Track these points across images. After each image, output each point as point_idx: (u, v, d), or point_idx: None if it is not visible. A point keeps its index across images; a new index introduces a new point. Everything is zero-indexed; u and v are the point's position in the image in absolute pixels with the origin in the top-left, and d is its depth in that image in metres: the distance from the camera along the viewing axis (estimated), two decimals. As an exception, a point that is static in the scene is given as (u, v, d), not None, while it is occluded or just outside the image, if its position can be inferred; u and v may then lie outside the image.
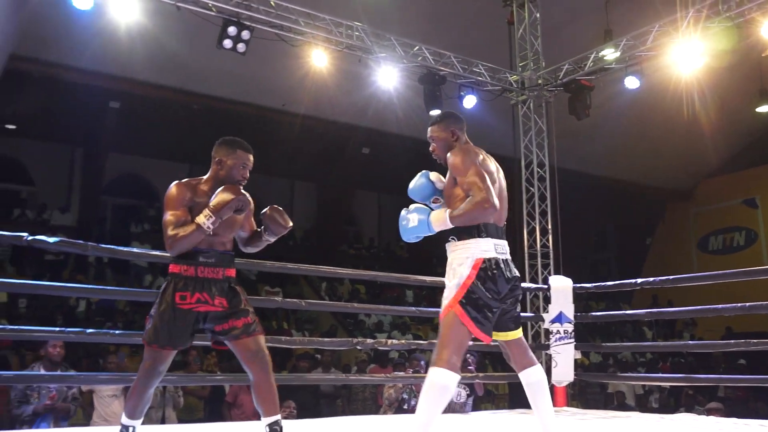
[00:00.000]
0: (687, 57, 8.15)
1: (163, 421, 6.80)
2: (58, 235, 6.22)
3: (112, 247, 5.07)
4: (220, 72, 11.84)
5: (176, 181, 3.21)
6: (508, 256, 3.03)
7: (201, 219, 2.98)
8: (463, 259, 2.94)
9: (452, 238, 2.99)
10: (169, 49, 10.59)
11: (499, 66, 9.36)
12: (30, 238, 4.35)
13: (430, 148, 3.33)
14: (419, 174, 3.26)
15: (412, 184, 3.30)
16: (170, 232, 3.00)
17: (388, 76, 8.66)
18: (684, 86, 11.81)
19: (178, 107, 13.31)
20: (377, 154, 15.68)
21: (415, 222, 3.05)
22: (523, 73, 9.37)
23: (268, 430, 3.12)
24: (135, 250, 6.27)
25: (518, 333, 3.13)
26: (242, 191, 3.16)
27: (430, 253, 14.83)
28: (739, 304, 5.63)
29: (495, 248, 2.95)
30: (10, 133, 14.12)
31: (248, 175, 3.39)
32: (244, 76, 11.95)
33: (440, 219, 2.95)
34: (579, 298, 6.50)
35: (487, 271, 2.90)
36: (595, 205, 17.97)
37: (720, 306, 5.85)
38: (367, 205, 18.94)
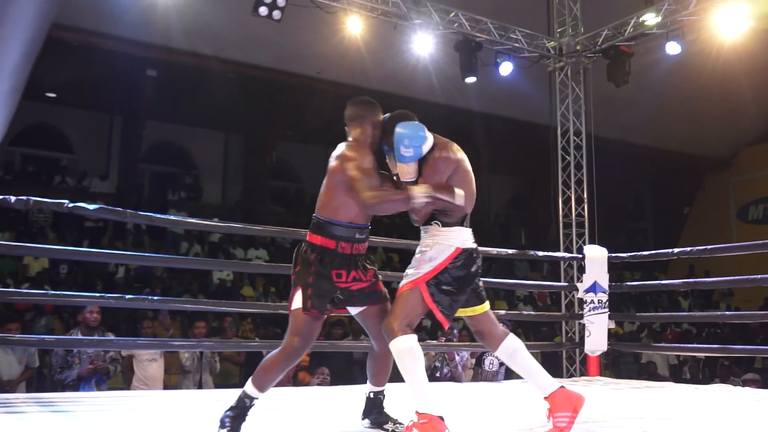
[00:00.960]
0: (731, 20, 7.94)
1: (200, 386, 6.95)
2: (97, 202, 6.36)
3: (150, 214, 5.16)
4: (255, 40, 11.85)
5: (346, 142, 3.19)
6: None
7: (418, 192, 2.96)
8: (443, 245, 3.01)
9: (436, 223, 3.06)
10: (205, 16, 10.61)
11: (536, 32, 9.21)
12: (71, 205, 4.44)
13: None
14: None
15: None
16: (371, 192, 2.98)
17: (424, 44, 8.58)
18: (726, 52, 11.52)
19: (214, 75, 13.36)
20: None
21: (410, 152, 3.12)
22: (561, 39, 9.21)
23: (372, 397, 3.26)
24: (172, 217, 6.36)
25: (484, 307, 3.15)
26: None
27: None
28: (779, 275, 5.54)
29: (471, 237, 3.09)
30: (51, 101, 14.35)
31: None
32: (279, 43, 11.93)
33: (420, 190, 2.98)
34: (614, 267, 6.46)
35: (462, 260, 3.00)
36: (632, 174, 17.72)
37: (759, 276, 5.75)
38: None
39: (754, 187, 18.92)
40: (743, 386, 7.21)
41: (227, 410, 2.99)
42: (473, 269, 3.04)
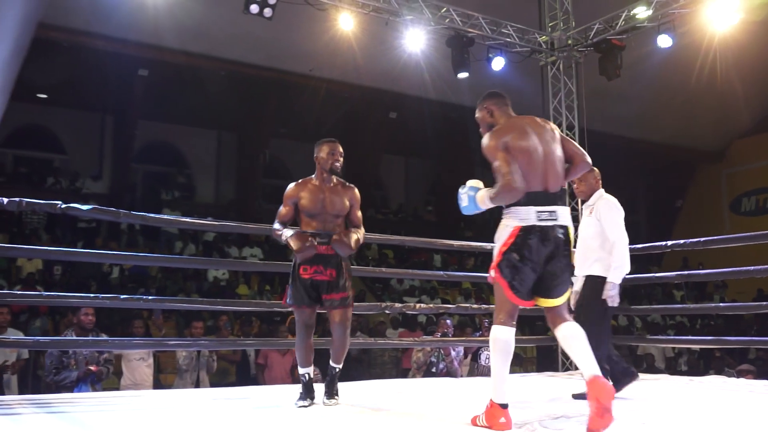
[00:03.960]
0: (721, 13, 7.96)
1: (197, 385, 6.95)
2: (90, 202, 6.34)
3: (144, 214, 5.14)
4: (246, 37, 11.83)
5: (293, 183, 4.01)
6: (557, 221, 3.11)
7: (284, 233, 3.84)
8: (504, 226, 3.14)
9: (503, 206, 3.18)
10: (195, 15, 10.59)
11: (528, 27, 9.21)
12: (64, 206, 4.43)
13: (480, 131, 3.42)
14: (463, 190, 3.31)
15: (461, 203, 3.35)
16: (275, 224, 3.93)
17: (416, 39, 8.58)
18: (717, 44, 11.56)
19: (205, 74, 13.35)
20: (404, 118, 15.61)
21: (465, 201, 3.25)
22: (553, 33, 9.22)
23: (335, 370, 3.98)
24: (166, 217, 6.35)
25: (558, 301, 3.17)
26: (312, 243, 3.77)
27: (458, 218, 14.80)
28: (772, 266, 5.56)
29: (537, 216, 3.07)
30: (42, 102, 14.30)
31: (340, 159, 4.06)
32: (270, 41, 11.92)
33: (482, 198, 3.17)
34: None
35: (524, 238, 3.05)
36: (625, 167, 17.74)
37: (752, 267, 5.78)
38: (395, 170, 18.93)
39: (746, 178, 19.00)
40: (738, 377, 7.25)
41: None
42: (543, 245, 3.06)
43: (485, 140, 3.20)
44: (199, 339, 7.04)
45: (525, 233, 3.05)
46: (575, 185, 4.58)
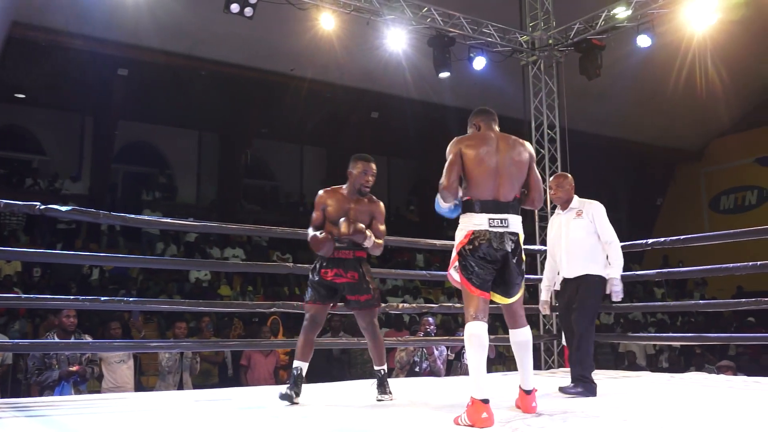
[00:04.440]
0: (700, 13, 8.03)
1: (180, 386, 6.91)
2: (69, 203, 6.27)
3: (124, 215, 5.10)
4: (227, 37, 11.78)
5: (321, 190, 4.28)
6: (508, 228, 3.38)
7: (315, 234, 4.07)
8: (459, 230, 3.44)
9: (461, 213, 3.48)
10: (176, 14, 10.52)
11: (509, 26, 9.24)
12: (42, 207, 4.39)
13: None
14: None
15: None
16: (309, 230, 4.15)
17: (397, 39, 8.58)
18: (696, 45, 11.67)
19: (185, 73, 13.26)
20: (386, 118, 15.61)
21: (436, 204, 3.56)
22: (534, 33, 9.25)
23: (380, 374, 4.16)
24: (147, 217, 6.30)
25: (511, 299, 3.50)
26: (327, 237, 4.02)
27: (440, 218, 14.79)
28: (750, 263, 5.62)
29: (489, 222, 3.35)
30: (20, 102, 14.14)
31: (371, 179, 4.25)
32: (251, 40, 11.87)
33: (439, 199, 3.48)
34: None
35: (475, 241, 3.33)
36: (605, 167, 17.87)
37: (731, 265, 5.84)
38: (377, 170, 18.91)
39: (724, 177, 19.21)
40: (718, 373, 7.31)
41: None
42: (494, 249, 3.32)
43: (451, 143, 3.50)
44: (181, 340, 7.00)
45: (477, 237, 3.33)
46: (552, 191, 4.79)
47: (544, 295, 4.93)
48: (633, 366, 9.91)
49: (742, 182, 18.87)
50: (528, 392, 3.48)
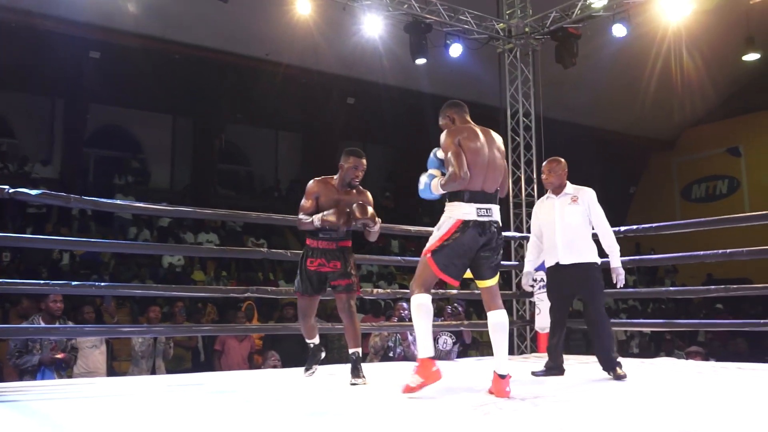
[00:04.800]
0: (675, 3, 8.10)
1: (153, 372, 6.87)
2: (40, 187, 6.15)
3: (96, 199, 5.04)
4: (202, 20, 11.64)
5: (313, 180, 4.42)
6: (492, 217, 3.63)
7: (314, 219, 4.23)
8: (447, 218, 3.62)
9: (447, 199, 3.68)
10: (149, -4, 10.37)
11: (485, 14, 9.25)
12: (12, 190, 4.31)
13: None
14: (424, 175, 3.82)
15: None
16: (299, 215, 4.33)
17: (374, 25, 8.55)
18: (671, 34, 11.75)
19: (159, 57, 13.07)
20: (362, 104, 15.55)
21: (422, 185, 3.74)
22: (510, 21, 9.27)
23: (353, 357, 4.25)
24: (119, 202, 6.23)
25: (491, 282, 3.71)
26: (346, 215, 4.19)
27: (415, 204, 14.85)
28: (720, 251, 5.71)
29: (477, 212, 3.57)
30: (-11, 84, 13.87)
31: (360, 174, 4.41)
32: (227, 24, 11.74)
33: (435, 185, 3.66)
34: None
35: (464, 230, 3.56)
36: (580, 155, 17.95)
37: (701, 253, 5.92)
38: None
39: (696, 167, 19.45)
40: (687, 359, 7.43)
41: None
42: (479, 235, 3.57)
43: (443, 136, 3.66)
44: (154, 326, 6.95)
45: (465, 226, 3.55)
46: (544, 176, 4.79)
47: (525, 282, 4.95)
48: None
49: (714, 172, 19.12)
50: (502, 377, 3.52)
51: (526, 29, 9.18)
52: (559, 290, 4.63)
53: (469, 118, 3.80)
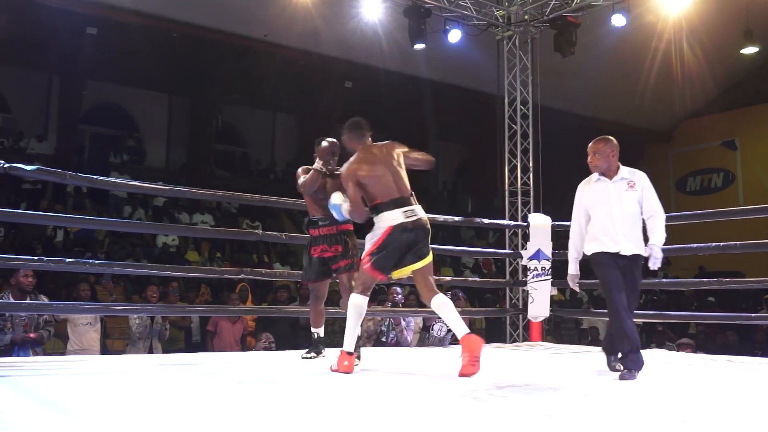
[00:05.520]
0: (675, -6, 8.09)
1: (150, 352, 6.88)
2: (35, 163, 6.15)
3: (91, 176, 5.02)
4: (201, -1, 11.57)
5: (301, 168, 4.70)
6: (417, 215, 3.99)
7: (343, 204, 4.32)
8: (377, 228, 3.99)
9: (374, 214, 4.03)
10: (147, -27, 10.30)
11: (485, 0, 9.21)
12: (7, 165, 4.30)
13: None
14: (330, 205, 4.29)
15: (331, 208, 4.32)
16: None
17: (373, 8, 8.51)
18: (670, 26, 11.73)
19: (157, 34, 13.00)
20: (360, 87, 15.51)
21: (335, 213, 4.25)
22: (510, 8, 9.23)
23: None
24: (114, 179, 6.21)
25: (420, 264, 3.99)
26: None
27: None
28: (713, 244, 5.73)
29: (404, 215, 3.95)
30: (-16, 58, 13.78)
31: (333, 158, 4.63)
32: (226, 3, 11.68)
33: (345, 210, 4.15)
34: (558, 235, 6.58)
35: (393, 233, 3.92)
36: (576, 144, 17.96)
37: (695, 245, 5.94)
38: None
39: (691, 159, 19.48)
40: (677, 351, 7.48)
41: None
42: (402, 239, 3.93)
43: (343, 169, 4.12)
44: (148, 304, 6.95)
45: (394, 229, 3.92)
46: (589, 159, 4.40)
47: (573, 268, 4.50)
48: (596, 342, 10.05)
49: (709, 165, 19.16)
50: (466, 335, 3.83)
51: (526, 17, 9.15)
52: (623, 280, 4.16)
53: (368, 141, 4.17)
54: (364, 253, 4.03)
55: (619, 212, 4.13)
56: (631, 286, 4.22)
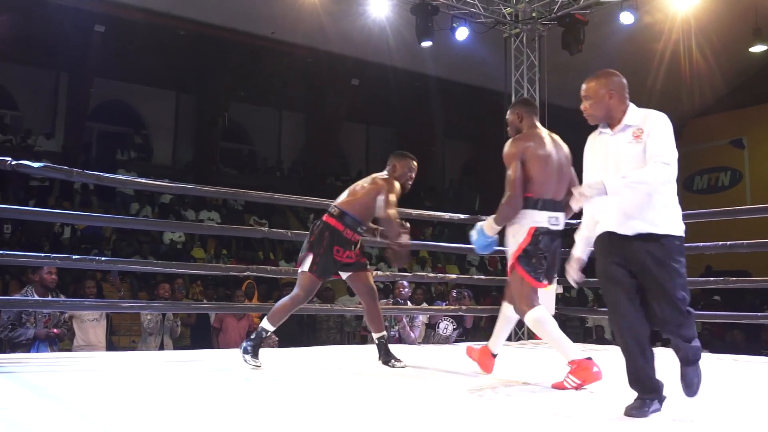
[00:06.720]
0: (683, -8, 8.05)
1: (161, 349, 6.90)
2: (42, 161, 6.15)
3: (99, 173, 5.03)
4: (208, -3, 11.59)
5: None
6: (559, 227, 3.65)
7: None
8: (520, 226, 3.58)
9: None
10: (155, -29, 10.32)
11: (492, -3, 9.20)
12: (14, 162, 4.31)
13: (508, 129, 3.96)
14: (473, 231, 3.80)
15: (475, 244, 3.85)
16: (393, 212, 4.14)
17: (380, 5, 8.51)
18: (678, 24, 11.68)
19: (164, 32, 13.03)
20: (367, 85, 15.51)
21: (475, 236, 3.74)
22: (517, 5, 9.21)
23: (377, 342, 4.26)
24: (121, 177, 6.22)
25: (549, 288, 4.10)
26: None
27: (418, 186, 14.83)
28: (720, 243, 5.70)
29: (548, 220, 3.58)
30: (-6, 56, 13.83)
31: (413, 176, 4.41)
32: (232, 1, 11.70)
33: (489, 226, 3.66)
34: (564, 234, 6.55)
35: (537, 236, 3.55)
36: (583, 142, 17.94)
37: (702, 244, 5.92)
38: (356, 137, 18.82)
39: (699, 158, 19.38)
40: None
41: (248, 341, 4.01)
42: (547, 242, 3.59)
43: (507, 146, 3.72)
44: (153, 301, 6.97)
45: (538, 233, 3.55)
46: (582, 107, 3.24)
47: (577, 250, 3.25)
48: (601, 340, 10.05)
49: (716, 163, 19.08)
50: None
51: (533, 14, 9.12)
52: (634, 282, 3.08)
53: (537, 122, 3.87)
54: (512, 259, 3.62)
55: (615, 176, 2.92)
56: (653, 286, 2.94)
